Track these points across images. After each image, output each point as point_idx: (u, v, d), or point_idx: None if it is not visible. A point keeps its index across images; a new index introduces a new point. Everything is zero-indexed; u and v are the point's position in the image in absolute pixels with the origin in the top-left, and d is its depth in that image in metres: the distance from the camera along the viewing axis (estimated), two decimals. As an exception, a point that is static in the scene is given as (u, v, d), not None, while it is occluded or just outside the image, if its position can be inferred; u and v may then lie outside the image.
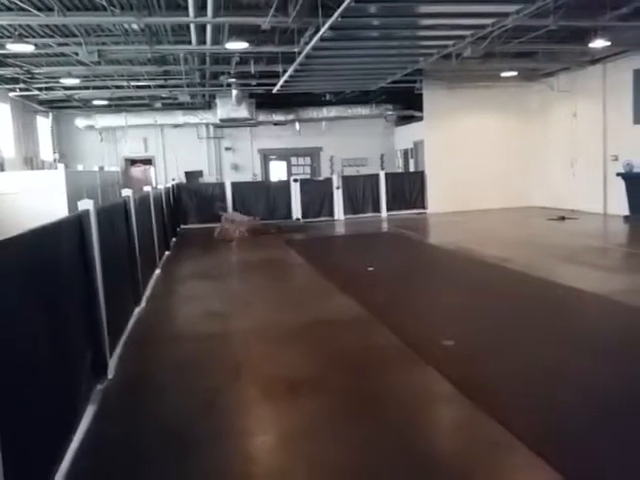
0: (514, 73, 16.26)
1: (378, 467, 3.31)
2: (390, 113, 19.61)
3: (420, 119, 18.23)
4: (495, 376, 4.52)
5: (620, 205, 13.95)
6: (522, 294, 7.28)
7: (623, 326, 5.85)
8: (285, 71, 13.09)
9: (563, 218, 14.48)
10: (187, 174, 19.88)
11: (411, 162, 19.76)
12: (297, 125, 19.65)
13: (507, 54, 14.26)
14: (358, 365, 4.93)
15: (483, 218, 15.91)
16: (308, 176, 19.77)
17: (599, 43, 12.26)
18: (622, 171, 13.83)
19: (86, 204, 4.60)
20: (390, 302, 7.06)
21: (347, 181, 17.42)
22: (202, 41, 11.08)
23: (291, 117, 19.15)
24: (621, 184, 13.83)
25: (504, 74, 16.26)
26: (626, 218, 13.55)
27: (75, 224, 4.30)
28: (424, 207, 17.79)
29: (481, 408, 3.87)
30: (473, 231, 13.64)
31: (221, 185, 17.18)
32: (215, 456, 3.51)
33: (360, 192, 17.41)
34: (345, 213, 17.22)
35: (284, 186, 17.23)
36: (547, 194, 17.39)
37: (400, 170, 20.21)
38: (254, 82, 15.70)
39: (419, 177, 17.95)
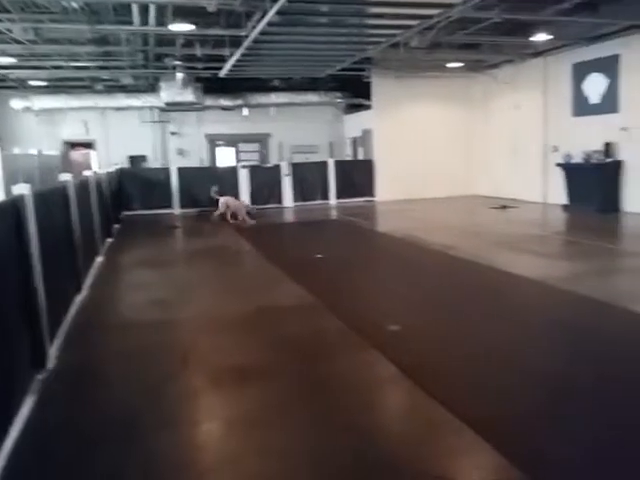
0: (460, 64, 16.56)
1: (325, 449, 3.34)
2: (339, 101, 19.62)
3: (369, 107, 18.34)
4: (440, 359, 4.63)
5: (559, 194, 14.48)
6: (465, 280, 7.47)
7: (561, 310, 6.08)
8: (232, 55, 12.89)
9: (505, 207, 14.92)
10: (131, 159, 19.30)
11: (360, 150, 19.88)
12: (245, 110, 19.36)
13: (453, 45, 14.49)
14: (306, 351, 4.95)
15: (429, 206, 16.20)
16: (257, 162, 19.55)
17: (541, 37, 12.64)
18: (562, 161, 14.33)
19: (22, 189, 4.38)
20: (338, 289, 7.11)
21: (296, 168, 17.34)
22: (145, 22, 10.73)
23: (239, 102, 18.84)
24: (560, 174, 14.34)
25: (450, 65, 16.53)
26: (565, 207, 14.08)
27: (10, 209, 4.10)
28: (373, 195, 17.94)
29: (426, 391, 3.95)
30: (420, 219, 13.87)
31: (166, 170, 16.77)
32: (161, 444, 3.46)
33: (309, 179, 17.38)
34: (294, 200, 17.16)
35: (232, 172, 16.98)
36: (490, 183, 17.86)
37: (349, 158, 20.30)
38: (200, 65, 15.34)
39: (368, 165, 18.07)
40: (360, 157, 19.59)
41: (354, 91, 18.97)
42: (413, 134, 17.92)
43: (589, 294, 6.36)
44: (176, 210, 16.29)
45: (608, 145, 13.40)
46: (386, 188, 17.66)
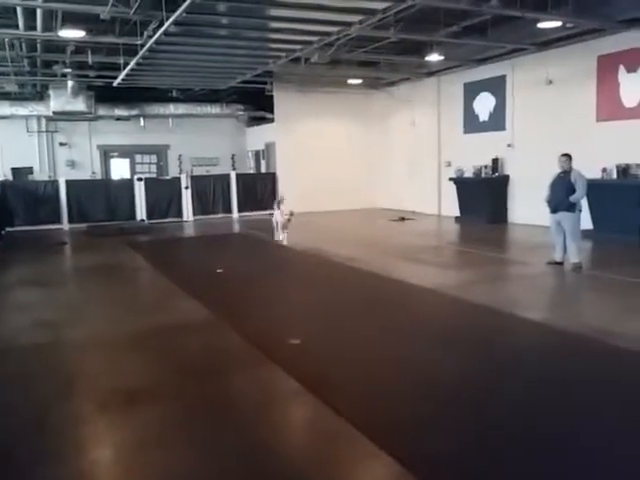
0: (359, 80, 17.00)
1: (222, 468, 3.24)
2: (241, 113, 19.46)
3: (271, 120, 18.33)
4: (339, 371, 4.62)
5: (453, 207, 15.17)
6: (365, 291, 7.57)
7: (453, 317, 6.33)
8: (127, 64, 12.40)
9: (403, 219, 15.41)
10: (14, 171, 17.87)
11: (263, 163, 19.81)
12: (142, 121, 18.67)
13: (353, 62, 14.86)
14: (203, 369, 4.78)
15: (332, 219, 16.40)
16: (154, 175, 18.90)
17: (434, 57, 13.23)
18: (454, 176, 15.04)
19: None
20: (239, 304, 6.95)
21: (197, 181, 16.95)
22: (32, 26, 10.07)
23: (135, 112, 18.14)
24: (453, 188, 15.04)
25: (350, 81, 16.94)
26: (457, 219, 14.77)
27: None
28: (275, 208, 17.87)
29: (325, 403, 3.93)
30: (322, 232, 13.98)
31: (54, 183, 15.68)
32: (44, 476, 3.20)
33: (210, 192, 17.02)
34: (195, 214, 16.72)
35: (127, 185, 16.26)
36: (390, 196, 18.41)
37: (252, 171, 20.16)
38: (92, 74, 14.65)
39: (271, 178, 18.02)
40: (263, 170, 19.52)
41: (256, 104, 18.91)
42: (316, 148, 18.10)
43: (478, 300, 6.68)
44: (65, 225, 15.31)
45: (496, 161, 14.24)
46: (290, 201, 17.62)
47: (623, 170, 10.76)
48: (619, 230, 10.26)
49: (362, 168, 18.78)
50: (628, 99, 11.17)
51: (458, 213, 14.87)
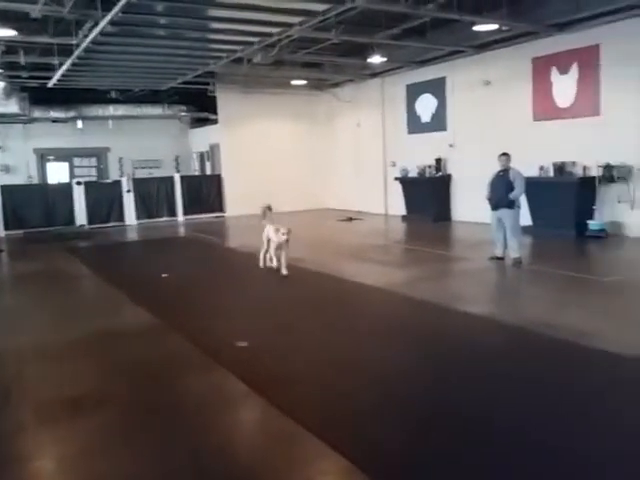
0: (303, 82, 17.01)
1: (169, 474, 3.19)
2: (184, 114, 19.09)
3: (215, 122, 18.09)
4: (287, 371, 4.63)
5: (399, 206, 15.38)
6: (312, 291, 7.60)
7: (401, 314, 6.41)
8: (62, 64, 11.97)
9: (351, 219, 15.51)
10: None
11: (208, 165, 19.53)
12: (80, 123, 18.02)
13: (296, 63, 14.85)
14: (148, 375, 4.70)
15: (280, 220, 16.24)
16: (94, 178, 18.30)
17: (376, 59, 13.37)
18: (399, 176, 15.25)
19: None
20: (185, 308, 6.84)
21: (139, 184, 16.53)
22: (-43, 24, 9.59)
23: (72, 114, 17.47)
24: (399, 187, 15.25)
25: (294, 82, 16.92)
26: (404, 218, 14.98)
27: None
28: (223, 210, 17.69)
29: (273, 404, 3.94)
30: (269, 234, 13.87)
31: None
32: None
33: (154, 195, 16.66)
34: (138, 218, 16.32)
35: (66, 189, 15.70)
36: (338, 197, 18.50)
37: (197, 173, 19.85)
38: (25, 74, 14.06)
39: (216, 180, 17.80)
40: (208, 172, 19.25)
41: (199, 105, 18.60)
42: (261, 149, 17.98)
43: (424, 297, 6.82)
44: (1, 232, 14.64)
45: (439, 160, 14.53)
46: (236, 203, 17.46)
47: (559, 168, 11.18)
48: (556, 225, 10.65)
49: (309, 169, 18.79)
50: (561, 99, 11.61)
51: (404, 212, 15.09)
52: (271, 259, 8.55)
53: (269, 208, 9.15)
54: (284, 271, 8.23)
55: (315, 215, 17.39)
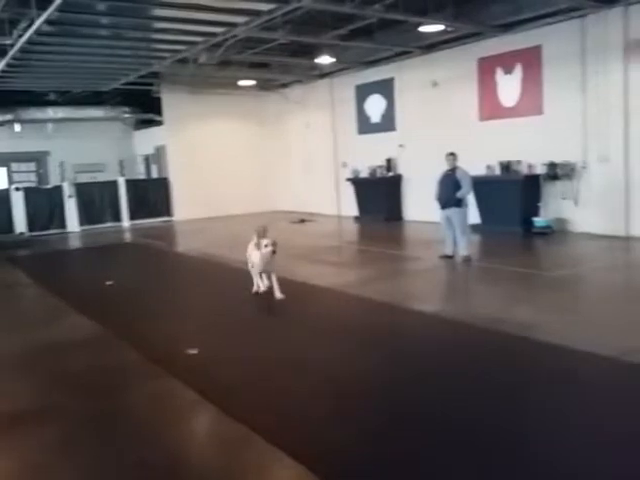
0: (251, 82, 16.80)
1: None
2: (127, 116, 18.57)
3: (161, 123, 17.67)
4: (238, 377, 4.55)
5: (351, 207, 15.37)
6: (264, 295, 7.39)
7: (353, 315, 6.39)
8: (-5, 65, 11.42)
9: (303, 221, 15.40)
10: None
11: (154, 168, 19.06)
12: (17, 126, 17.25)
13: (243, 63, 14.65)
14: (95, 387, 4.52)
15: (230, 223, 16.07)
16: (34, 184, 17.56)
17: (324, 59, 13.32)
18: (351, 176, 15.24)
19: None
20: (132, 316, 6.61)
21: (81, 189, 15.99)
22: None
23: (9, 117, 16.70)
24: (351, 188, 15.25)
25: (241, 82, 16.69)
26: (356, 218, 14.99)
27: None
28: (170, 214, 17.30)
29: (225, 411, 3.86)
30: (220, 237, 13.65)
31: None
32: None
33: (98, 201, 16.16)
34: (81, 224, 15.78)
35: (3, 196, 15.03)
36: (290, 199, 18.36)
37: (142, 176, 19.34)
38: (-44, 75, 13.37)
39: (163, 183, 17.40)
40: (154, 175, 18.78)
41: (144, 106, 18.13)
42: (210, 151, 17.69)
43: (377, 297, 6.79)
44: None
45: (389, 160, 14.60)
46: (184, 207, 17.13)
47: (505, 166, 11.39)
48: (504, 222, 10.85)
49: (260, 171, 18.60)
50: (506, 99, 11.84)
51: (357, 213, 15.09)
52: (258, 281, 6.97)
53: (264, 230, 7.23)
54: (278, 294, 6.70)
55: (267, 217, 17.11)
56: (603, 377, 4.30)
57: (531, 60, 11.18)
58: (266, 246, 6.72)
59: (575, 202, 10.67)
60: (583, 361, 4.53)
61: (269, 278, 6.85)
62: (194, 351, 5.07)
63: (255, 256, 6.94)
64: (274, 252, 6.72)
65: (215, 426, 3.88)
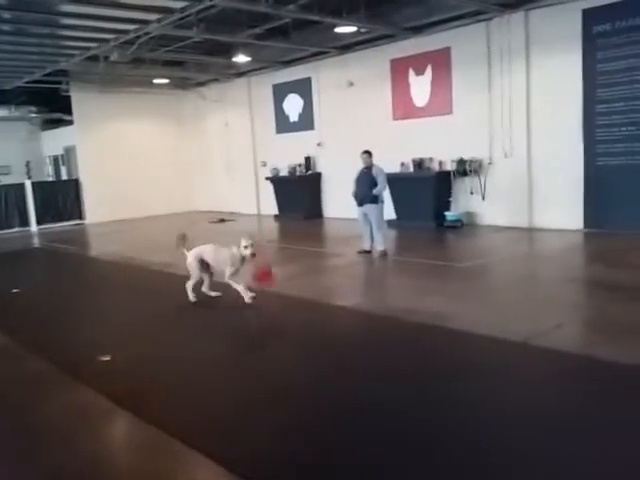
0: (166, 80, 16.44)
1: None
2: (34, 116, 17.67)
3: (70, 123, 16.93)
4: (154, 382, 4.45)
5: (271, 205, 15.39)
6: (183, 297, 7.28)
7: (274, 313, 6.39)
8: None
9: (223, 220, 15.26)
10: None
11: (63, 169, 18.24)
12: None
13: (157, 61, 14.30)
14: (4, 402, 4.28)
15: (147, 225, 15.68)
16: None
17: (241, 58, 13.26)
18: (270, 175, 15.26)
19: None
20: (40, 325, 6.31)
21: (-16, 192, 15.08)
22: None
23: None
24: (270, 187, 15.26)
25: (156, 81, 16.30)
26: (276, 217, 15.02)
27: None
28: (82, 217, 16.63)
29: (139, 416, 3.79)
30: (136, 239, 13.28)
31: None
32: None
33: (2, 205, 15.29)
34: (-16, 230, 14.89)
35: None
36: (209, 199, 18.13)
37: (51, 178, 18.46)
38: None
39: (73, 185, 16.69)
40: (64, 177, 17.97)
41: (51, 105, 17.31)
42: (124, 151, 17.16)
43: (298, 294, 6.84)
44: None
45: (308, 159, 14.75)
46: (97, 209, 16.51)
47: (418, 164, 11.81)
48: (418, 217, 11.27)
49: (177, 171, 18.25)
50: (418, 99, 12.27)
51: (277, 211, 15.12)
52: (207, 287, 6.77)
53: (183, 237, 7.04)
54: (248, 298, 6.32)
55: (185, 218, 16.90)
56: (511, 360, 4.55)
57: (441, 61, 11.65)
58: (245, 247, 6.20)
59: (482, 196, 11.24)
60: (492, 346, 4.78)
61: (237, 283, 6.42)
62: (107, 357, 4.95)
63: (218, 259, 6.47)
64: (254, 254, 6.21)
65: (132, 432, 3.80)
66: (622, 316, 5.34)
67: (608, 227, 9.47)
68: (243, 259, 6.34)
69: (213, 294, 6.73)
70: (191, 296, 6.67)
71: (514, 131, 10.61)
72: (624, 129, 9.38)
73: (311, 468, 3.11)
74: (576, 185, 9.95)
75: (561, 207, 10.17)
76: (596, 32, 9.43)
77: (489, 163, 11.08)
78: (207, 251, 6.68)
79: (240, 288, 6.39)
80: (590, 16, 9.43)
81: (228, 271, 6.39)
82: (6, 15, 9.15)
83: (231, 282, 6.44)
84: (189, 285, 6.69)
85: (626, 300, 5.85)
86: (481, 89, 11.01)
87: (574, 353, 4.50)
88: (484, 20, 10.68)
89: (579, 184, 9.93)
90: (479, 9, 10.22)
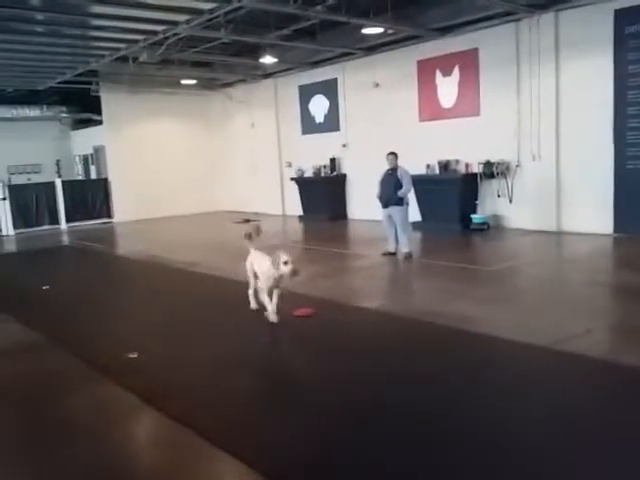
0: (193, 81, 16.62)
1: None
2: (65, 116, 18.02)
3: (100, 123, 17.23)
4: (179, 380, 4.49)
5: (296, 206, 15.43)
6: (207, 296, 7.38)
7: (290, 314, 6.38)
8: None
9: (248, 220, 15.30)
10: None
11: (92, 168, 18.56)
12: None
13: (185, 62, 14.47)
14: (33, 394, 4.38)
15: (173, 224, 15.85)
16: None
17: (268, 59, 13.32)
18: (295, 176, 15.30)
19: None
20: (70, 321, 6.42)
21: (16, 191, 15.42)
22: None
23: (-61, 116, 16.02)
24: (295, 188, 15.31)
25: (183, 81, 16.48)
26: (301, 218, 15.05)
27: None
28: (110, 216, 16.90)
29: (167, 414, 3.81)
30: (162, 238, 13.45)
31: None
32: None
33: (33, 203, 15.61)
34: (16, 227, 15.20)
35: None
36: (233, 199, 18.26)
37: (80, 177, 18.80)
38: None
39: (102, 184, 16.98)
40: (93, 176, 18.29)
41: (82, 105, 17.65)
42: (152, 151, 17.39)
43: (322, 295, 6.83)
44: None
45: (333, 160, 14.75)
46: (125, 208, 16.77)
47: (444, 166, 11.73)
48: (443, 220, 11.18)
49: (204, 171, 18.42)
50: (445, 100, 12.18)
51: (301, 212, 15.16)
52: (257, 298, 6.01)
53: (256, 230, 6.36)
54: (273, 317, 5.62)
55: (210, 218, 17.06)
56: (537, 365, 4.50)
57: (468, 63, 11.55)
58: (285, 264, 5.36)
59: (510, 199, 11.11)
60: (518, 350, 4.72)
61: (269, 298, 5.70)
62: (134, 355, 5.00)
63: (263, 269, 5.68)
64: (295, 272, 5.38)
65: (158, 430, 3.83)
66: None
67: (638, 232, 9.28)
68: (281, 277, 5.51)
69: (271, 317, 5.62)
70: (252, 303, 6.11)
71: (542, 133, 10.47)
72: (656, 132, 9.19)
73: (331, 467, 3.13)
74: (606, 189, 9.77)
75: (590, 211, 10.00)
76: (628, 33, 9.25)
77: (517, 165, 10.94)
78: (255, 257, 5.99)
79: (268, 303, 5.66)
80: (622, 16, 9.25)
81: (265, 283, 5.68)
82: (39, 17, 9.35)
83: (261, 293, 5.79)
84: (250, 292, 6.15)
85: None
86: (509, 91, 10.88)
87: (600, 359, 4.42)
88: (513, 21, 10.55)
89: (609, 188, 9.75)
90: (508, 9, 10.10)
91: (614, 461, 3.03)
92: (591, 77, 9.79)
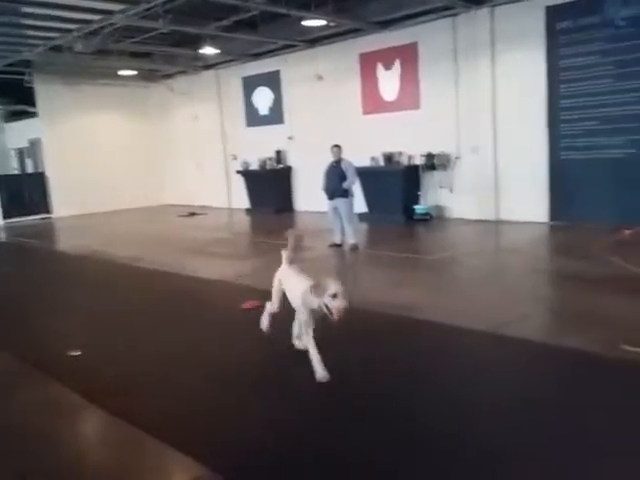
0: (132, 72, 16.20)
1: None
2: (-3, 107, 17.27)
3: (35, 115, 16.57)
4: (124, 377, 4.42)
5: (242, 199, 15.34)
6: (152, 291, 7.28)
7: (241, 303, 6.33)
8: None
9: (193, 214, 15.16)
10: None
11: (28, 162, 17.84)
12: None
13: (124, 52, 14.08)
14: None
15: (116, 219, 15.47)
16: None
17: (208, 50, 13.14)
18: (240, 169, 15.20)
19: None
20: (8, 320, 6.19)
21: (-54, 186, 14.67)
22: None
23: None
24: (241, 180, 15.21)
25: (121, 72, 16.05)
26: (247, 210, 14.99)
27: None
28: (49, 211, 16.31)
29: (110, 411, 3.76)
30: (104, 233, 13.10)
31: None
32: None
33: (-34, 199, 14.92)
34: (-54, 224, 14.51)
35: None
36: (178, 192, 17.97)
37: (16, 172, 18.04)
38: None
39: (39, 179, 16.37)
40: (29, 170, 17.58)
41: (15, 97, 16.89)
42: (91, 144, 16.87)
43: (267, 287, 6.75)
44: None
45: (279, 153, 14.73)
46: (65, 203, 16.24)
47: (388, 158, 11.92)
48: (388, 211, 11.38)
49: (147, 163, 18.04)
50: (387, 94, 12.37)
51: (248, 205, 15.08)
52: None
53: (299, 239, 5.20)
54: (322, 372, 3.97)
55: (154, 211, 16.75)
56: (484, 350, 4.65)
57: (408, 56, 11.76)
58: (334, 297, 3.88)
59: (451, 190, 11.42)
60: (460, 336, 4.88)
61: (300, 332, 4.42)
62: (77, 352, 4.89)
63: (296, 295, 4.29)
64: (340, 312, 3.84)
65: (103, 429, 3.77)
66: (586, 306, 5.52)
67: (573, 219, 9.74)
68: (319, 311, 4.01)
69: (319, 372, 3.97)
70: (264, 323, 4.81)
71: (480, 126, 10.79)
72: (586, 124, 9.64)
73: (281, 460, 3.15)
74: (541, 179, 10.19)
75: (527, 200, 10.41)
76: (560, 29, 9.65)
77: (457, 157, 11.25)
78: (287, 274, 4.67)
79: (315, 354, 4.04)
80: (553, 13, 9.64)
81: (303, 315, 4.20)
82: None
83: (306, 331, 4.15)
84: (267, 308, 4.84)
85: (590, 290, 6.04)
86: (448, 84, 11.16)
87: (541, 342, 4.61)
88: (450, 16, 10.81)
89: (544, 178, 10.17)
90: (446, 4, 10.35)
91: (579, 446, 3.09)
92: (525, 71, 10.16)
